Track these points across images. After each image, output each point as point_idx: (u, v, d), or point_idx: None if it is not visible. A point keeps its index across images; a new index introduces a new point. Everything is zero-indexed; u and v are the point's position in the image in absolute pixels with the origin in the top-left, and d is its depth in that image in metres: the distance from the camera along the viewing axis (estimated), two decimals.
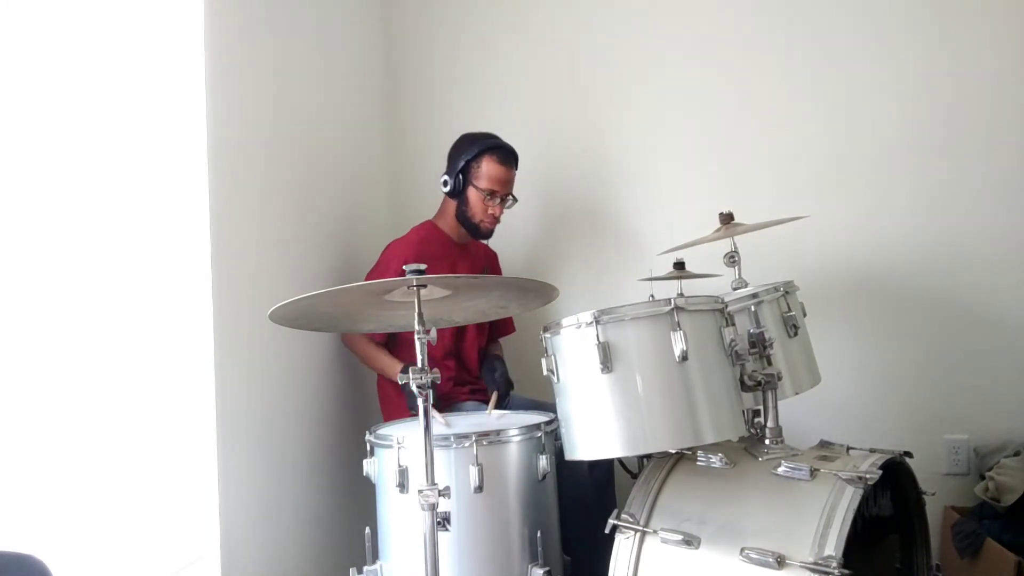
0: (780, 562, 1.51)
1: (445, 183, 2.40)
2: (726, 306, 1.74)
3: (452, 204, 2.43)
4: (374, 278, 2.37)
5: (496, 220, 2.44)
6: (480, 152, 2.36)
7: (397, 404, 2.35)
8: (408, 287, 1.50)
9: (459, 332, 2.45)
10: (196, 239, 1.87)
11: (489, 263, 2.65)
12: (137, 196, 1.88)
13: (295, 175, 2.30)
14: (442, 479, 1.51)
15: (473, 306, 1.75)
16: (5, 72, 1.92)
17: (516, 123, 2.89)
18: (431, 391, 1.49)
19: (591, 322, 1.64)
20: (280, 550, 2.11)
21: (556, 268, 2.88)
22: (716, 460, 1.75)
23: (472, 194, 2.38)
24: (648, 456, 1.84)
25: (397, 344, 2.38)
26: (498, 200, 2.40)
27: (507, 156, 2.40)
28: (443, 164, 2.45)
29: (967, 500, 2.48)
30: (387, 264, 2.37)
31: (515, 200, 2.45)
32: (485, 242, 2.58)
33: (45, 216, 1.92)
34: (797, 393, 1.97)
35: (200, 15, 1.88)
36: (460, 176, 2.37)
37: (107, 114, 1.89)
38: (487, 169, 2.36)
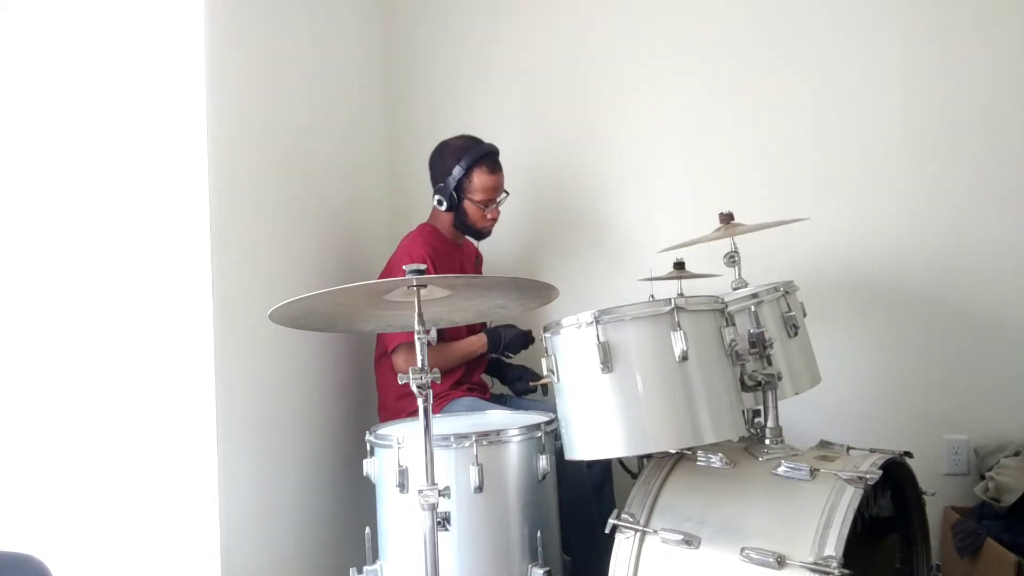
0: (780, 562, 1.52)
1: (440, 202, 2.41)
2: (726, 306, 1.74)
3: (448, 215, 2.45)
4: (392, 274, 2.38)
5: (495, 220, 2.48)
6: (470, 167, 2.37)
7: (394, 409, 2.35)
8: (408, 287, 1.51)
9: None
10: (196, 239, 1.87)
11: (478, 262, 2.68)
12: (136, 196, 1.88)
13: (295, 174, 2.30)
14: (442, 479, 1.51)
15: (473, 306, 1.75)
16: (5, 70, 1.93)
17: (517, 123, 2.89)
18: (429, 391, 1.49)
19: (591, 322, 1.64)
20: (280, 550, 2.11)
21: (556, 268, 2.88)
22: (716, 460, 1.75)
23: (469, 206, 2.41)
24: (648, 456, 1.84)
25: (442, 340, 2.37)
26: (495, 205, 2.43)
27: (494, 162, 2.42)
28: None
29: (967, 500, 2.48)
30: (403, 261, 2.37)
31: (507, 195, 2.47)
32: (475, 243, 2.62)
33: (45, 216, 1.93)
34: (797, 393, 1.97)
35: (201, 16, 1.88)
36: (454, 194, 2.39)
37: (105, 111, 1.89)
38: (479, 182, 2.39)
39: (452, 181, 2.38)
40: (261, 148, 2.12)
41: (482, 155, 2.40)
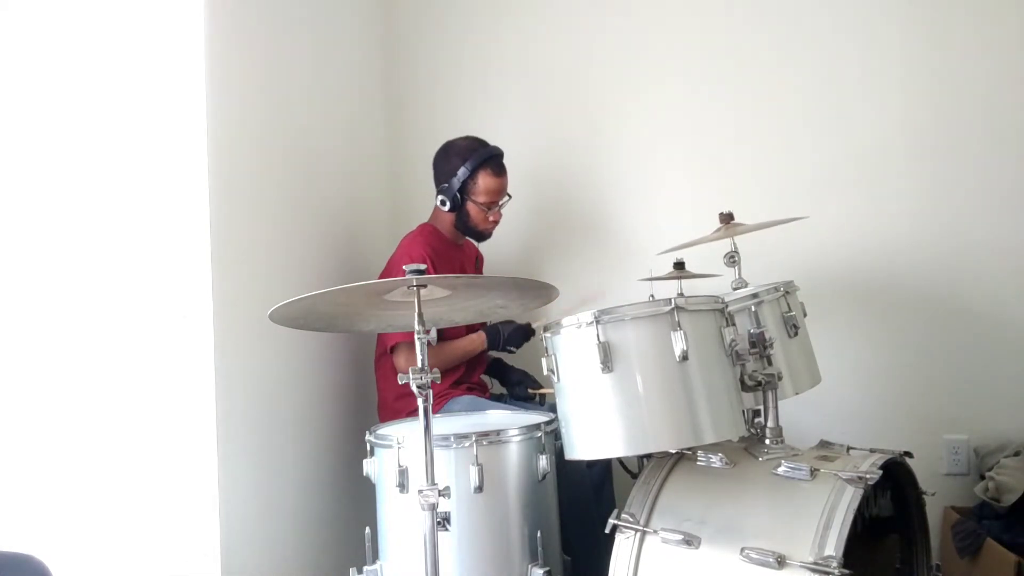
0: (780, 562, 1.51)
1: (443, 202, 2.41)
2: (726, 306, 1.74)
3: (449, 215, 2.45)
4: (391, 274, 2.38)
5: (497, 223, 2.48)
6: (475, 168, 2.37)
7: (393, 409, 2.34)
8: (408, 287, 1.51)
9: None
10: (196, 239, 1.87)
11: (479, 263, 2.69)
12: (137, 196, 1.89)
13: (295, 175, 2.30)
14: (442, 479, 1.51)
15: (473, 306, 1.75)
16: (5, 71, 1.93)
17: (517, 122, 2.89)
18: (429, 391, 1.50)
19: (591, 322, 1.64)
20: (280, 550, 2.11)
21: (556, 268, 2.88)
22: (716, 460, 1.75)
23: (472, 208, 2.41)
24: (648, 456, 1.84)
25: (442, 339, 2.37)
26: (497, 207, 2.44)
27: (499, 165, 2.42)
28: None
29: (967, 500, 2.48)
30: (403, 261, 2.37)
31: (510, 197, 2.47)
32: (475, 243, 2.62)
33: (46, 217, 1.93)
34: (797, 393, 1.97)
35: (201, 16, 1.88)
36: (458, 195, 2.39)
37: (105, 111, 1.89)
38: (484, 184, 2.38)
39: (456, 182, 2.38)
40: (261, 148, 2.12)
41: (488, 157, 2.39)
